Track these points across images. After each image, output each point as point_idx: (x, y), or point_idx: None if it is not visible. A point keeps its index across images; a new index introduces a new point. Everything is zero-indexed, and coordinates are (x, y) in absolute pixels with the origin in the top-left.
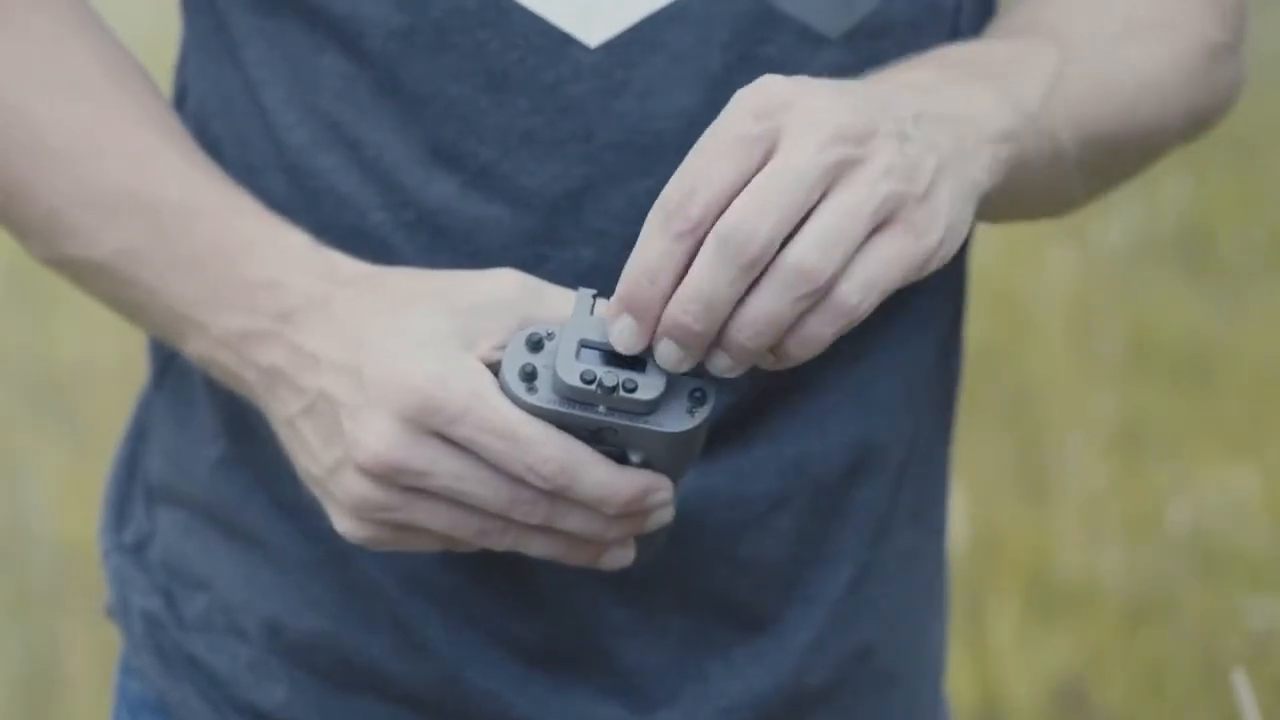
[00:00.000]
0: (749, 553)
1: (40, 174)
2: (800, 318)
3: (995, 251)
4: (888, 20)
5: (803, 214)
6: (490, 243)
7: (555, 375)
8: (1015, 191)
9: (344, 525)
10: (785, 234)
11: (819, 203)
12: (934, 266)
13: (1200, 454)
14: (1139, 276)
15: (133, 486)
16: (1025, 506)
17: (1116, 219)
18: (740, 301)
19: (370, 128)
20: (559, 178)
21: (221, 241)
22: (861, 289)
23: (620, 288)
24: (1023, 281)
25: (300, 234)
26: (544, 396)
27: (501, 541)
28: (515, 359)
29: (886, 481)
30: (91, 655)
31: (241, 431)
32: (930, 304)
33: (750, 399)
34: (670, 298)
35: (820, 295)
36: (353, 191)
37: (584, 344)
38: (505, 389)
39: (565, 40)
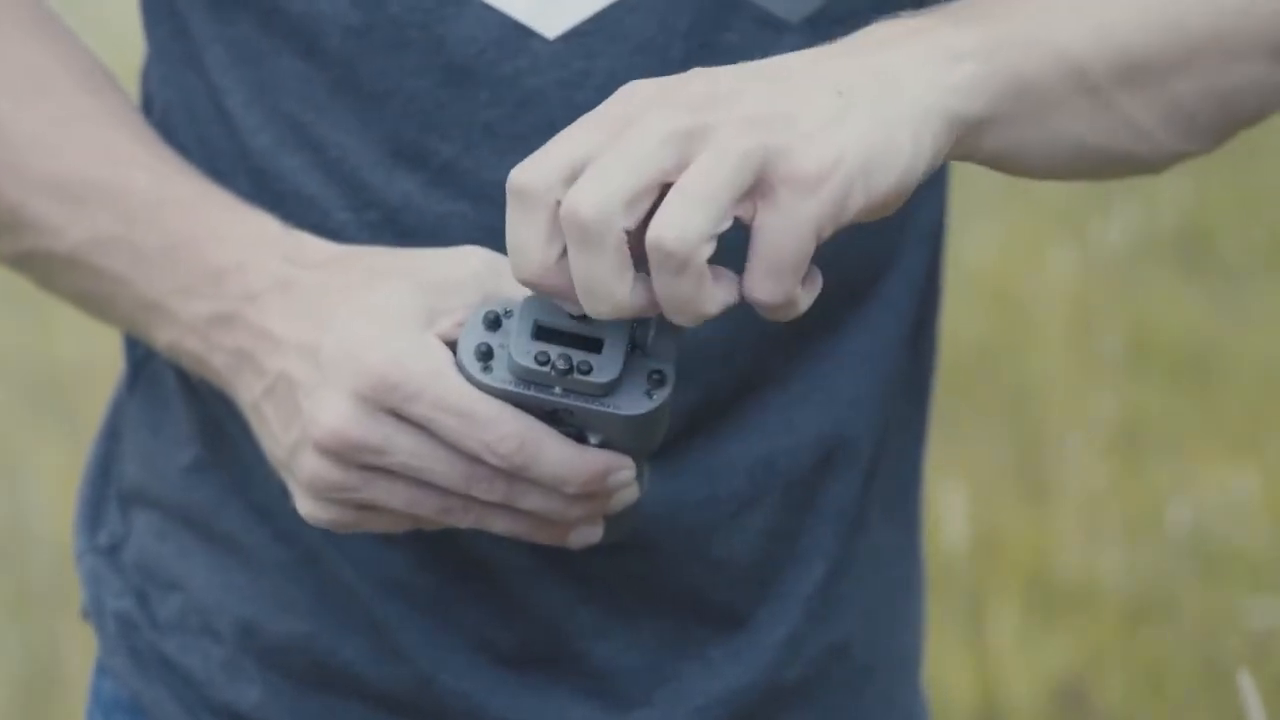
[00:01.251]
0: (721, 552)
1: (4, 167)
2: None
3: (995, 251)
4: (850, 5)
5: (649, 183)
6: (455, 240)
7: (510, 356)
8: (1043, 121)
9: (305, 507)
10: (626, 199)
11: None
12: (865, 206)
13: (1200, 454)
14: (1139, 276)
15: (107, 489)
16: (1025, 506)
17: (1116, 219)
18: None
19: (331, 128)
20: None
21: (190, 229)
22: (767, 278)
23: (513, 269)
24: (1023, 281)
25: (269, 218)
26: (499, 376)
27: (464, 519)
28: (471, 338)
29: (857, 476)
30: (91, 655)
31: (215, 435)
32: (897, 290)
33: (718, 397)
34: (550, 268)
35: (695, 269)
36: (317, 193)
37: (539, 324)
38: (461, 368)
39: (524, 32)
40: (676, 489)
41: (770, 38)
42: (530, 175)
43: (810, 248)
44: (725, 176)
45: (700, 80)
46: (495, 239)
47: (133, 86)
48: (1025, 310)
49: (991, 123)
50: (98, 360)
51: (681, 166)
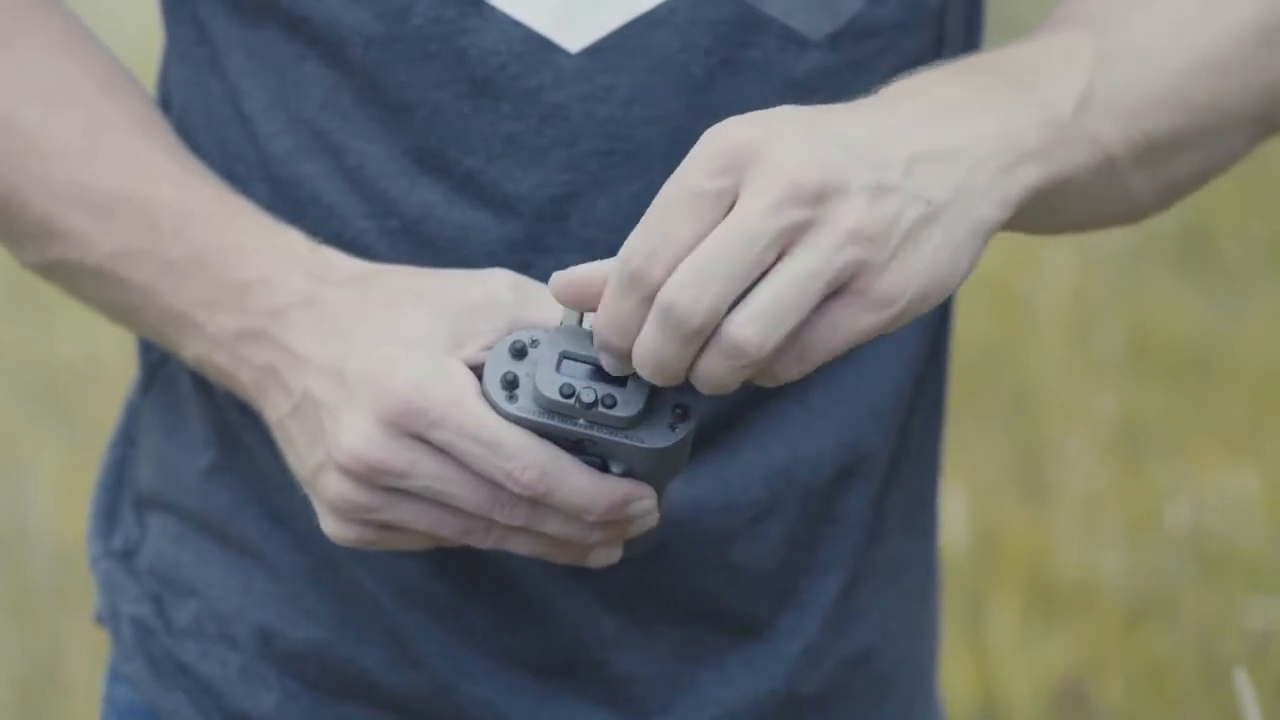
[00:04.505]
0: (739, 560)
1: (33, 178)
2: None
3: (995, 251)
4: (873, 22)
5: (751, 279)
6: (474, 250)
7: (535, 387)
8: (1062, 206)
9: (329, 526)
10: (730, 301)
11: (772, 264)
12: (904, 323)
13: (1200, 454)
14: (1139, 276)
15: (121, 493)
16: (1025, 506)
17: None
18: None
19: (353, 136)
20: (543, 185)
21: (217, 242)
22: (795, 363)
23: (595, 336)
24: (1023, 281)
25: (295, 233)
26: (524, 406)
27: (485, 540)
28: (497, 366)
29: (875, 486)
30: (91, 655)
31: (231, 440)
32: None
33: (737, 406)
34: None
35: (763, 365)
36: (336, 200)
37: (565, 355)
38: (486, 396)
39: (546, 46)
40: (694, 496)
41: (793, 54)
42: (647, 265)
43: (843, 352)
44: (817, 289)
45: (805, 152)
46: (515, 250)
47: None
48: (1025, 310)
49: (1020, 214)
50: (98, 360)
51: (779, 255)
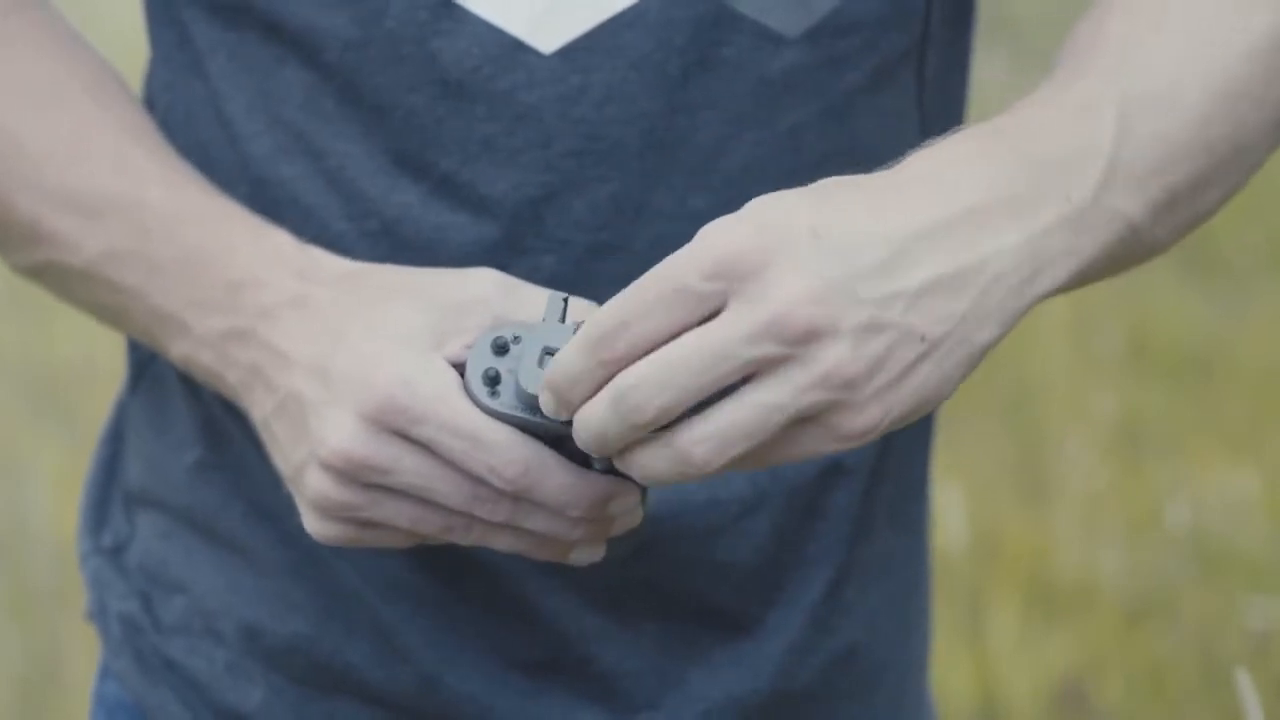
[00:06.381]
0: (725, 556)
1: (21, 181)
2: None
3: None
4: (853, 18)
5: (709, 394)
6: (451, 252)
7: (518, 383)
8: (1079, 281)
9: (312, 524)
10: (686, 407)
11: (739, 384)
12: (865, 443)
13: (1200, 454)
14: (1139, 276)
15: (111, 490)
16: (1025, 506)
17: None
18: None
19: (333, 138)
20: (519, 186)
21: (205, 243)
22: (749, 466)
23: (547, 375)
24: None
25: (283, 234)
26: (506, 402)
27: (467, 537)
28: (479, 363)
29: (862, 482)
30: (91, 655)
31: (218, 436)
32: None
33: None
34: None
35: (705, 474)
36: (316, 202)
37: (548, 351)
38: (468, 392)
39: (519, 48)
40: (679, 491)
41: (769, 52)
42: (610, 335)
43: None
44: (777, 423)
45: (803, 282)
46: (492, 251)
47: (132, 85)
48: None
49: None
50: (98, 360)
51: (746, 376)
